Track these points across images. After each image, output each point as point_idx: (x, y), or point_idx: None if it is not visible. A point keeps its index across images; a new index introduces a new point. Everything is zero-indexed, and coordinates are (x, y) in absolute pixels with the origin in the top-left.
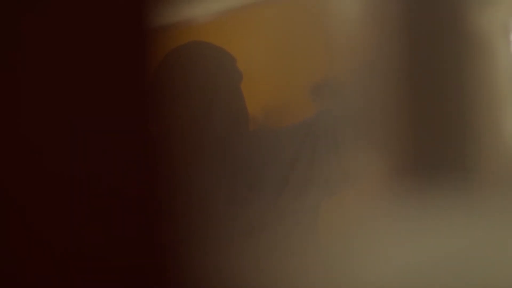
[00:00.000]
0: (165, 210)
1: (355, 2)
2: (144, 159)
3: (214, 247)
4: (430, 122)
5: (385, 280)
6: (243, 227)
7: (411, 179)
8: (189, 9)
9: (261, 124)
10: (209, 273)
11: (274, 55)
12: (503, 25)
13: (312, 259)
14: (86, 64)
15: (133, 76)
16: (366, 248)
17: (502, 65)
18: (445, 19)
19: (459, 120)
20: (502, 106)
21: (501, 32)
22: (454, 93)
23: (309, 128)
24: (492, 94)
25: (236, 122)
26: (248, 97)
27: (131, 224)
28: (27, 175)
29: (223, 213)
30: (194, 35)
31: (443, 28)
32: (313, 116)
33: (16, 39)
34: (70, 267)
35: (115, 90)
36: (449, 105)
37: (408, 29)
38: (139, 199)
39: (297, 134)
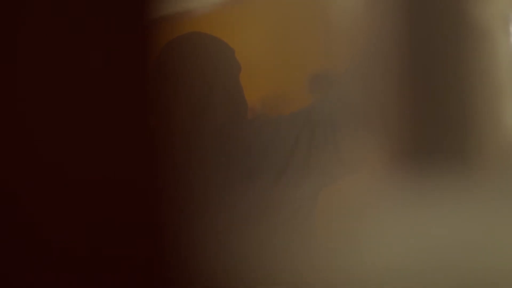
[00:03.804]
0: (164, 200)
1: None
2: (143, 150)
3: (213, 236)
4: (429, 111)
5: (382, 268)
6: (241, 216)
7: (409, 167)
8: (188, 0)
9: (260, 114)
10: (207, 261)
11: (272, 46)
12: (503, 16)
13: (311, 247)
14: (85, 56)
15: (132, 67)
16: (364, 235)
17: (502, 56)
18: (445, 10)
19: (458, 110)
20: (501, 95)
21: (501, 23)
22: (454, 84)
23: (307, 117)
24: (492, 84)
25: (235, 113)
26: (247, 88)
27: (130, 216)
28: (25, 167)
29: (221, 202)
30: (193, 26)
31: (443, 19)
32: (311, 105)
33: (14, 27)
34: (68, 262)
35: (114, 82)
36: (447, 95)
37: (407, 20)
38: (138, 189)
39: (295, 123)
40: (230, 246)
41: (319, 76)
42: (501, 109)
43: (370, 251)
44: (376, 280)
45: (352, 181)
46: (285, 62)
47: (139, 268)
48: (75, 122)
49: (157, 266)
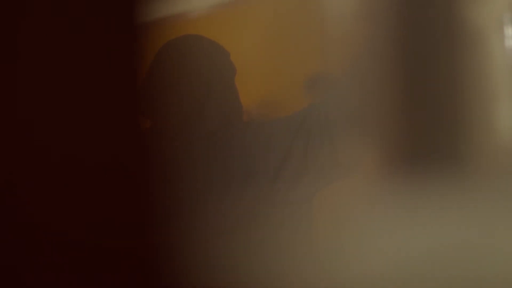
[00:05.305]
0: (158, 205)
1: None
2: (137, 154)
3: (208, 240)
4: (423, 115)
5: (378, 272)
6: (237, 219)
7: (405, 169)
8: (182, 3)
9: (255, 117)
10: (203, 263)
11: (268, 48)
12: (498, 19)
13: (306, 250)
14: (80, 59)
15: (127, 70)
16: (359, 238)
17: (496, 59)
18: (440, 13)
19: (453, 113)
20: (495, 99)
21: (496, 26)
22: (448, 87)
23: (303, 120)
24: (486, 88)
25: (230, 115)
26: (242, 91)
27: (124, 221)
28: (25, 168)
29: (218, 204)
30: (189, 28)
31: (437, 22)
32: (307, 108)
33: (14, 27)
34: (68, 262)
35: (109, 85)
36: (442, 99)
37: (402, 23)
38: (132, 194)
39: (291, 126)
40: (226, 248)
41: (314, 79)
42: (495, 112)
43: (366, 254)
44: (374, 282)
45: (348, 184)
46: (280, 65)
47: (138, 268)
48: (73, 123)
49: (154, 267)
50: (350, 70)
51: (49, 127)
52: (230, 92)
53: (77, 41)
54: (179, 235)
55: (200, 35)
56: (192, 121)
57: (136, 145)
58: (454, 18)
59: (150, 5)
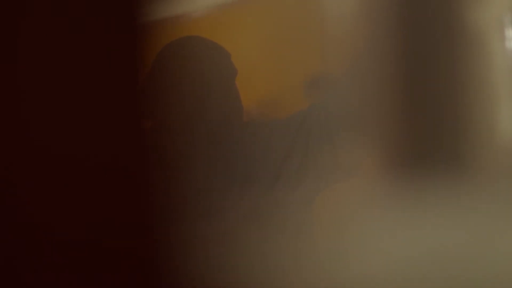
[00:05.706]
0: (158, 205)
1: None
2: (137, 154)
3: (208, 240)
4: (424, 115)
5: (378, 273)
6: (237, 220)
7: (404, 171)
8: (183, 4)
9: (255, 117)
10: (203, 264)
11: (268, 49)
12: (498, 20)
13: (306, 251)
14: (80, 60)
15: (128, 70)
16: (359, 240)
17: (496, 60)
18: (440, 14)
19: (453, 114)
20: (495, 100)
21: (496, 27)
22: (448, 88)
23: (303, 120)
24: (486, 89)
25: (231, 116)
26: (243, 92)
27: (124, 221)
28: (25, 168)
29: (217, 205)
30: (190, 29)
31: (437, 22)
32: (307, 109)
33: (14, 27)
34: (68, 262)
35: (109, 85)
36: (443, 99)
37: (403, 24)
38: (132, 194)
39: (291, 127)
40: (226, 248)
41: (315, 80)
42: (496, 113)
43: (366, 256)
44: (374, 282)
45: (348, 185)
46: (281, 66)
47: (138, 268)
48: (74, 123)
49: (154, 267)
50: (350, 70)
51: (49, 127)
52: (230, 92)
53: (77, 41)
54: (179, 235)
55: (202, 37)
56: (193, 121)
57: (136, 145)
58: (454, 18)
59: (151, 5)
